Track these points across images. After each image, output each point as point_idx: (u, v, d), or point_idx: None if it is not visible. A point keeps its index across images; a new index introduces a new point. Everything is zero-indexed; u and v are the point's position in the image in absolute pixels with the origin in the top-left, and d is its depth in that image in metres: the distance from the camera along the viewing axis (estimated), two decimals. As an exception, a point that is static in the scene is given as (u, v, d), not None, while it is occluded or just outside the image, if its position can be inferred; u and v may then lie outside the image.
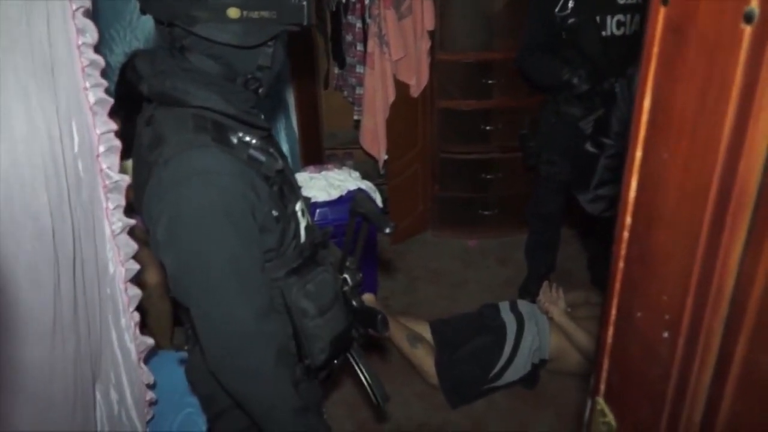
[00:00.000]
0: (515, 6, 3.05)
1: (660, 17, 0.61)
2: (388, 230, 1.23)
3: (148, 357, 1.67)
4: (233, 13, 1.02)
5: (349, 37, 3.52)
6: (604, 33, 2.41)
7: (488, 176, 3.46)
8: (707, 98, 0.56)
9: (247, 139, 1.07)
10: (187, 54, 1.09)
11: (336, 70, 3.71)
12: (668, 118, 0.63)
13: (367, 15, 3.35)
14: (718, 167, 0.56)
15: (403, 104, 3.25)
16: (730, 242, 0.56)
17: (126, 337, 1.54)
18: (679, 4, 0.59)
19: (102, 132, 1.30)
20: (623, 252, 0.73)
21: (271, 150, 1.11)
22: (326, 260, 1.30)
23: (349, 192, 2.67)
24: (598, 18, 2.40)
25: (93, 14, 1.26)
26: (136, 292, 1.53)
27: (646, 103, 0.66)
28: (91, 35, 1.21)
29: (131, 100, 2.23)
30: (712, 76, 0.56)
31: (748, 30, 0.50)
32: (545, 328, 2.54)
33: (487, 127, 3.35)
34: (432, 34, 3.17)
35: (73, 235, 1.20)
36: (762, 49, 0.49)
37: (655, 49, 0.63)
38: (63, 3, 1.14)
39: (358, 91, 3.51)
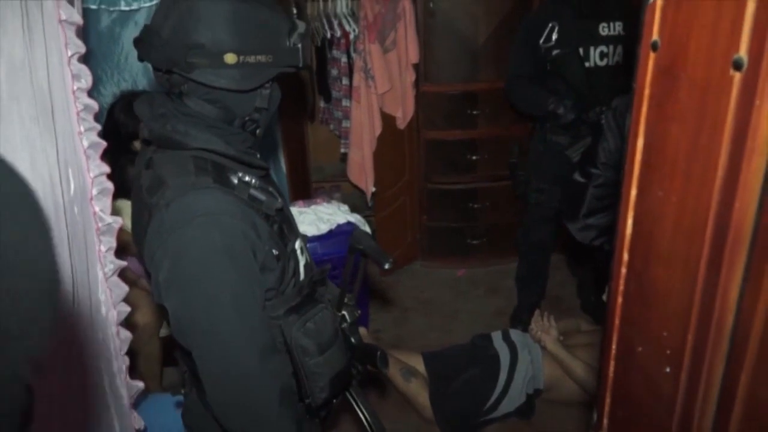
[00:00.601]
0: (498, 38, 3.12)
1: (650, 62, 0.64)
2: (387, 265, 1.23)
3: (138, 400, 1.64)
4: (230, 58, 1.03)
5: (334, 72, 3.57)
6: (587, 64, 2.47)
7: (475, 205, 3.49)
8: (700, 139, 0.58)
9: (247, 179, 1.08)
10: (185, 99, 1.10)
11: (322, 104, 3.75)
12: (662, 158, 0.64)
13: (352, 49, 3.40)
14: (713, 205, 0.57)
15: (389, 136, 3.28)
16: (728, 278, 0.57)
17: (117, 382, 1.52)
18: (668, 51, 0.61)
19: (95, 175, 1.31)
20: (621, 288, 0.74)
21: (271, 189, 1.12)
22: (324, 297, 1.30)
23: (339, 226, 2.66)
24: (581, 49, 2.46)
25: (85, 57, 1.28)
26: (127, 335, 1.51)
27: (640, 143, 0.67)
28: (86, 80, 1.23)
29: (117, 140, 2.23)
30: (704, 119, 0.57)
31: (737, 77, 0.52)
32: (538, 357, 2.53)
33: (473, 157, 3.39)
34: (416, 67, 3.22)
35: (72, 279, 1.20)
36: (752, 95, 0.51)
37: (647, 92, 0.65)
38: (59, 48, 1.15)
39: (344, 124, 3.54)
